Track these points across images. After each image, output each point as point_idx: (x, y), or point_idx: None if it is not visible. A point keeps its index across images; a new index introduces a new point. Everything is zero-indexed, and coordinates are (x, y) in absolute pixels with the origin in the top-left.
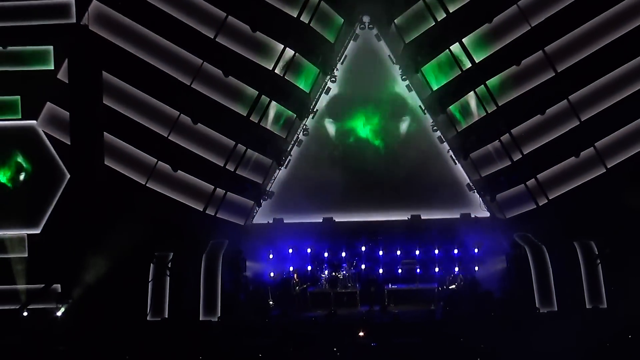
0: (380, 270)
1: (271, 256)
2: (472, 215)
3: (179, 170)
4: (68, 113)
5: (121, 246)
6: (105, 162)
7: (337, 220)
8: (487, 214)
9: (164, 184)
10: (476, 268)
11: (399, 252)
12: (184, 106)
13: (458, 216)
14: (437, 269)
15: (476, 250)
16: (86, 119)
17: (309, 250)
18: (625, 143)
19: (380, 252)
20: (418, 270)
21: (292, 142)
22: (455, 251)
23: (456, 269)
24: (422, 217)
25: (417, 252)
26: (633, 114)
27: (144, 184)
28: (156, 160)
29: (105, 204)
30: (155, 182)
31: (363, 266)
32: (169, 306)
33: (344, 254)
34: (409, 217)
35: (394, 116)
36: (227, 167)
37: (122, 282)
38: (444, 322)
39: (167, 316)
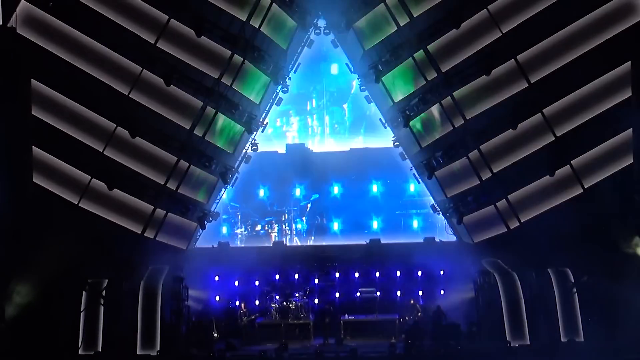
0: (336, 300)
1: (216, 284)
2: (437, 240)
3: (115, 189)
4: None
5: (50, 272)
6: (34, 179)
7: (288, 244)
8: (454, 238)
9: (99, 204)
10: (442, 292)
11: (356, 281)
12: (121, 118)
13: (421, 240)
14: (398, 293)
15: (441, 273)
16: (13, 131)
17: (257, 278)
18: (604, 161)
19: (337, 274)
20: (378, 294)
21: (240, 158)
22: (419, 273)
23: (420, 292)
24: (382, 242)
25: (377, 275)
26: (613, 129)
27: (76, 203)
28: (90, 177)
29: (34, 224)
30: (89, 202)
31: (317, 295)
32: (103, 338)
33: (296, 282)
34: (368, 242)
35: (351, 129)
36: (168, 185)
37: (51, 311)
38: (406, 356)
39: (100, 349)
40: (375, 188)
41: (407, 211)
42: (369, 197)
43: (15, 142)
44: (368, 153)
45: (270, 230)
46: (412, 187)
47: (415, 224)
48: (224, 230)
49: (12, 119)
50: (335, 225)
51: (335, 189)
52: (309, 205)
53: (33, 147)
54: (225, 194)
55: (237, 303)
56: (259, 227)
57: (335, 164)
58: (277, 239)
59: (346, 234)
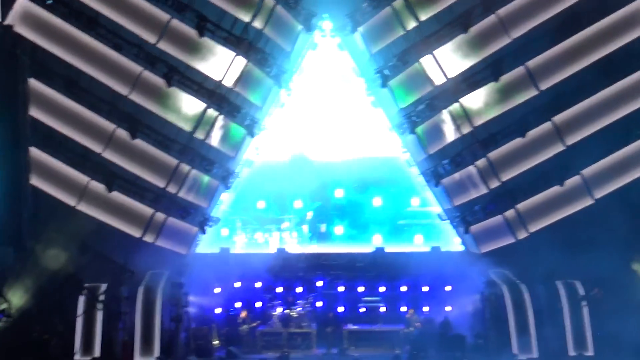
0: (340, 308)
1: (217, 290)
2: (444, 249)
3: (114, 192)
4: None
5: (47, 276)
6: (31, 181)
7: (291, 251)
8: (461, 248)
9: (97, 207)
10: (447, 308)
11: (360, 289)
12: (121, 119)
13: (428, 249)
14: (404, 308)
15: (448, 289)
16: (9, 132)
17: (259, 285)
18: (615, 172)
19: (340, 288)
20: (382, 308)
21: (242, 163)
22: (425, 289)
23: (425, 303)
24: (387, 250)
25: (382, 289)
26: (624, 138)
27: (74, 206)
28: (88, 179)
29: (30, 228)
30: (87, 205)
31: (320, 303)
32: (101, 345)
33: (299, 290)
34: (373, 250)
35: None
36: (168, 188)
37: (47, 316)
38: None
39: (98, 355)
40: (378, 201)
41: (410, 221)
42: (371, 209)
43: (12, 143)
44: (371, 162)
45: (270, 238)
46: (415, 201)
47: (419, 237)
48: (225, 232)
49: (9, 119)
50: (339, 229)
51: (340, 192)
52: (310, 212)
53: (30, 147)
54: (225, 200)
55: (239, 310)
56: (258, 235)
57: (338, 173)
58: (278, 247)
59: (348, 242)
